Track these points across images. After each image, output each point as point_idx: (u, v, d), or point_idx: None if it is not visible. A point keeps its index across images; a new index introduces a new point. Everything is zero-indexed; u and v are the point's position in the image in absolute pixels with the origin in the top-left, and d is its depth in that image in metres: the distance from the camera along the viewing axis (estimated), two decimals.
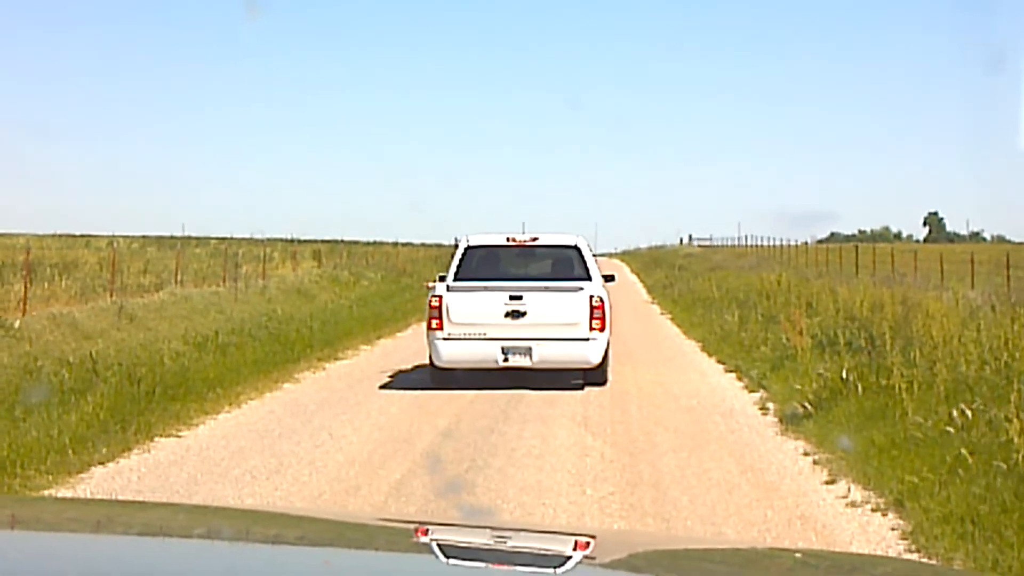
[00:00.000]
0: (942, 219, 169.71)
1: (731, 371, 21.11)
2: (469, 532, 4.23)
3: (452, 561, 3.49)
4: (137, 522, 3.98)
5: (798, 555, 4.19)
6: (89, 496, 11.25)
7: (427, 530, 4.11)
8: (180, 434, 14.60)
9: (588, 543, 3.99)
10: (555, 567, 3.49)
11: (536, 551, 3.77)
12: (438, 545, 3.74)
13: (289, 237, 79.08)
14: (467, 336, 18.62)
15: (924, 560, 8.97)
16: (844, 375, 16.11)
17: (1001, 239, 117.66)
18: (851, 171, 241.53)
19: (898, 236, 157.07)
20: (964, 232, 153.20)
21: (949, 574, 4.85)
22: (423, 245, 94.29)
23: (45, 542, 3.52)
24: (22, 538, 3.60)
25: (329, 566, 3.30)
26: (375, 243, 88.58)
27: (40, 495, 10.96)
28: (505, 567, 3.47)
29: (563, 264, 19.55)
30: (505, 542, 3.85)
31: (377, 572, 3.30)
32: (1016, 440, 11.24)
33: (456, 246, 20.05)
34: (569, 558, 3.65)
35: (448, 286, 18.95)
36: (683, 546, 4.61)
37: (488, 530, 4.31)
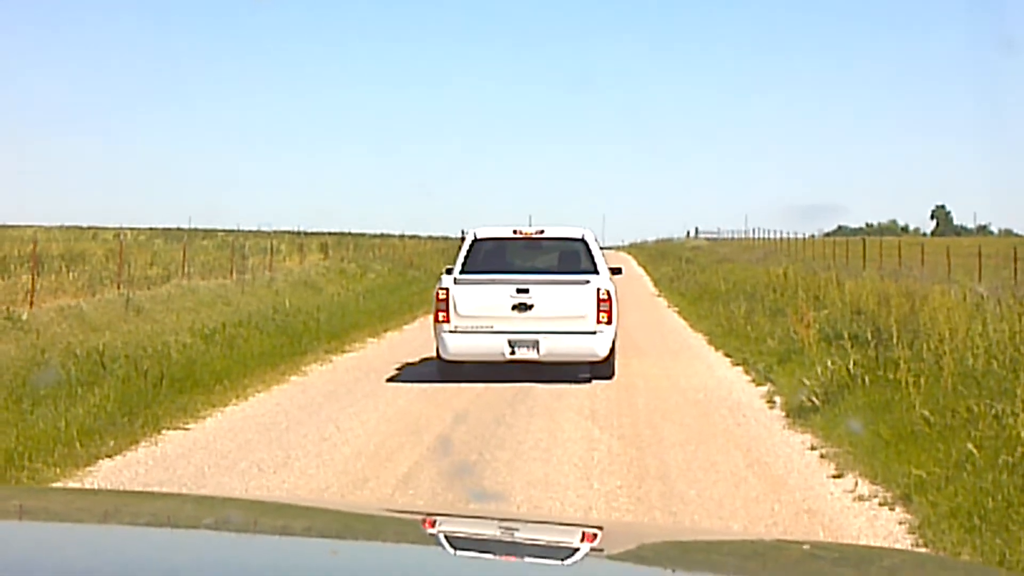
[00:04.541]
0: (949, 212, 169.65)
1: (738, 364, 21.09)
2: (477, 523, 4.22)
3: (460, 552, 3.49)
4: (144, 512, 3.99)
5: (806, 547, 4.19)
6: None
7: (434, 521, 4.11)
8: (187, 426, 14.60)
9: (596, 535, 3.99)
10: (563, 559, 3.49)
11: (544, 543, 3.76)
12: (445, 536, 3.73)
13: (296, 229, 79.11)
14: (474, 329, 18.60)
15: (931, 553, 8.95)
16: (851, 368, 16.10)
17: (1008, 232, 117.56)
18: (858, 164, 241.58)
19: (905, 229, 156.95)
20: (971, 225, 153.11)
21: (956, 566, 4.85)
22: (430, 238, 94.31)
23: (53, 532, 3.52)
24: (30, 528, 3.60)
25: (336, 556, 3.30)
26: (382, 236, 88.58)
27: (47, 487, 10.96)
28: (513, 558, 3.47)
29: (570, 257, 19.54)
30: (512, 533, 3.84)
31: (384, 563, 3.30)
32: (1023, 434, 11.23)
33: (463, 239, 20.05)
34: (577, 550, 3.65)
35: (455, 279, 18.94)
36: (691, 537, 4.61)
37: (496, 521, 4.31)
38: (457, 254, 19.60)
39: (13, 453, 12.17)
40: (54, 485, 11.31)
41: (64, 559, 3.09)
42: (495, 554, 3.52)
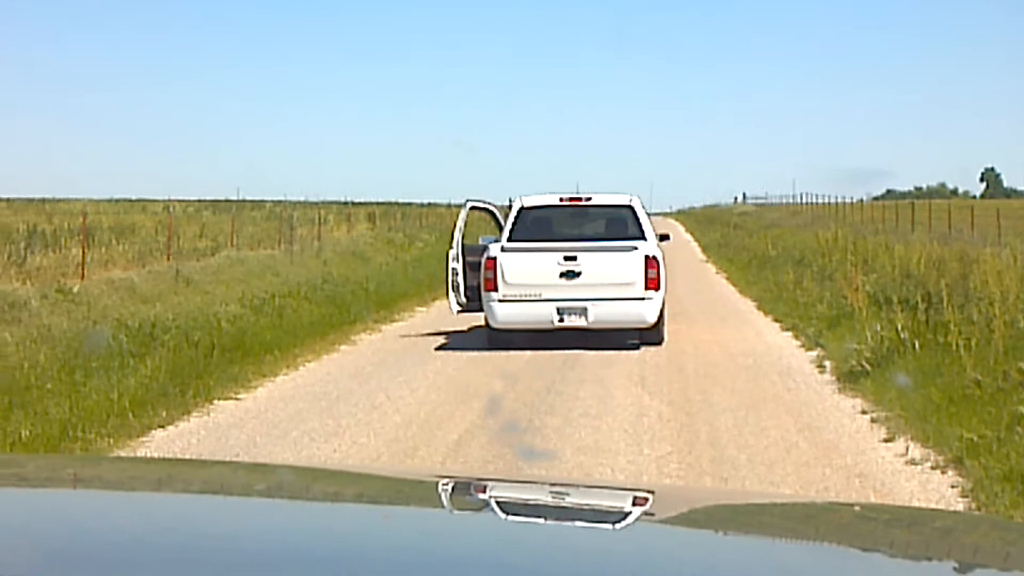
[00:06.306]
0: (999, 175, 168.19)
1: (787, 329, 21.01)
2: (528, 488, 4.23)
3: (511, 517, 3.49)
4: (197, 479, 4.00)
5: (857, 508, 4.17)
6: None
7: (485, 486, 4.11)
8: (238, 396, 14.68)
9: (647, 499, 3.98)
10: (614, 523, 3.48)
11: (595, 507, 3.76)
12: (496, 501, 3.73)
13: (343, 199, 79.16)
14: (522, 297, 18.61)
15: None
16: (901, 332, 16.01)
17: None
18: (907, 128, 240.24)
19: (955, 192, 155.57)
20: (1022, 187, 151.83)
21: (1009, 527, 4.82)
22: None
23: (107, 500, 3.54)
24: (84, 496, 3.63)
25: (388, 522, 3.31)
26: (429, 205, 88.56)
27: (101, 456, 11.03)
28: (564, 523, 3.46)
29: (617, 224, 19.50)
30: (563, 498, 3.84)
31: (436, 527, 3.30)
32: None
33: (509, 207, 20.01)
34: (628, 514, 3.64)
35: (502, 247, 18.93)
36: (742, 501, 4.60)
37: (547, 486, 4.31)
38: (504, 222, 19.54)
39: (67, 424, 12.25)
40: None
41: (118, 526, 3.11)
42: (546, 518, 3.52)
